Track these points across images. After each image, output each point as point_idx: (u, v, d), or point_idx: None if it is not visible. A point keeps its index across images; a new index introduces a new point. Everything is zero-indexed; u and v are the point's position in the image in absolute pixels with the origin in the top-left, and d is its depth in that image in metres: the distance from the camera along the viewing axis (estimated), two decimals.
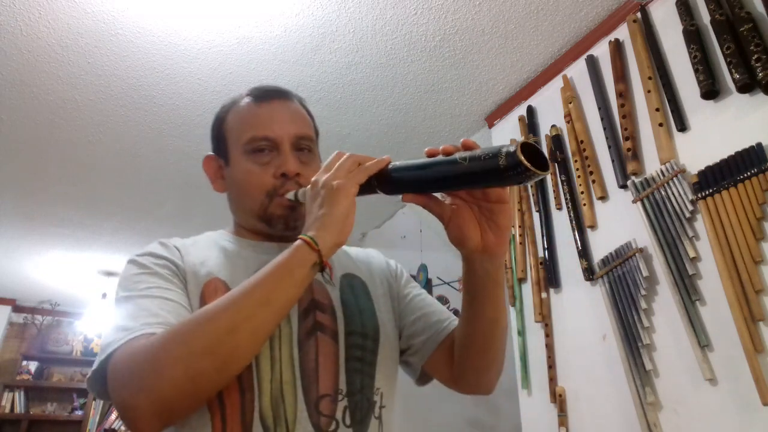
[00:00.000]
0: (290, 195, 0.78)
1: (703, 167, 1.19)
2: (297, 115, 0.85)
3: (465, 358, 0.78)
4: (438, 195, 0.67)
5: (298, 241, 0.64)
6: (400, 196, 0.66)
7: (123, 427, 4.71)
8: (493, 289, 0.70)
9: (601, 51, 1.57)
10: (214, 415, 0.66)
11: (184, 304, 0.70)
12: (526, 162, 0.49)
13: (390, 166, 0.66)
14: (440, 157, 0.60)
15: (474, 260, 0.68)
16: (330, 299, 0.79)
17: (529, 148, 0.51)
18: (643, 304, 1.26)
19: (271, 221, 0.80)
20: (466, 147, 0.58)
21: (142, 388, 0.57)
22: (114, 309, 0.69)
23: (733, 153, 1.14)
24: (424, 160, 0.62)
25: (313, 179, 0.69)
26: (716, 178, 1.16)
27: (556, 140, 1.64)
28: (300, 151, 0.82)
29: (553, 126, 1.67)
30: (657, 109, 1.34)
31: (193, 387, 0.58)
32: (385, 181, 0.66)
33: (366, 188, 0.67)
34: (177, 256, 0.77)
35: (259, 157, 0.80)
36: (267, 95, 0.84)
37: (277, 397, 0.68)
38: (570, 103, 1.61)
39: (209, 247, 0.82)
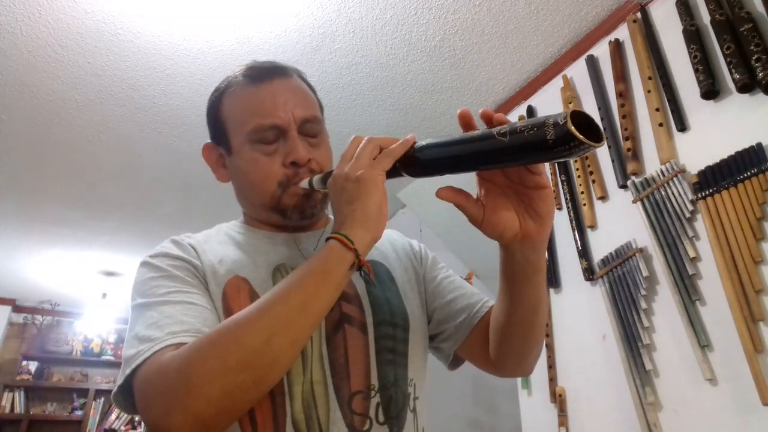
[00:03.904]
0: (304, 183, 0.73)
1: (703, 167, 1.19)
2: (300, 94, 0.78)
3: (505, 344, 0.73)
4: (463, 183, 0.61)
5: (331, 241, 0.59)
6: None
7: (123, 428, 4.71)
8: (534, 276, 0.65)
9: (601, 51, 1.57)
10: (245, 426, 0.63)
11: (208, 308, 0.66)
12: (578, 134, 0.43)
13: (415, 146, 0.59)
14: (473, 133, 0.53)
15: (514, 249, 0.62)
16: (355, 288, 0.74)
17: (578, 117, 0.44)
18: (643, 304, 1.26)
19: (285, 212, 0.75)
20: (501, 122, 0.52)
21: (176, 407, 0.52)
22: (132, 316, 0.65)
23: (733, 153, 1.14)
24: (455, 136, 0.55)
25: (335, 172, 0.63)
26: (716, 178, 1.16)
27: None
28: (308, 134, 0.76)
29: None
30: (657, 109, 1.34)
31: (231, 403, 0.54)
32: (411, 163, 0.59)
33: (390, 172, 0.61)
34: (193, 255, 0.72)
35: (266, 145, 0.74)
36: (265, 74, 0.77)
37: (309, 399, 0.65)
38: (570, 103, 1.60)
39: (224, 242, 0.78)
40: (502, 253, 0.64)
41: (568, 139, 0.43)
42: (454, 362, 0.85)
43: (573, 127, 0.43)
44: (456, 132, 0.58)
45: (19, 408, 4.46)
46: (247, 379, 0.54)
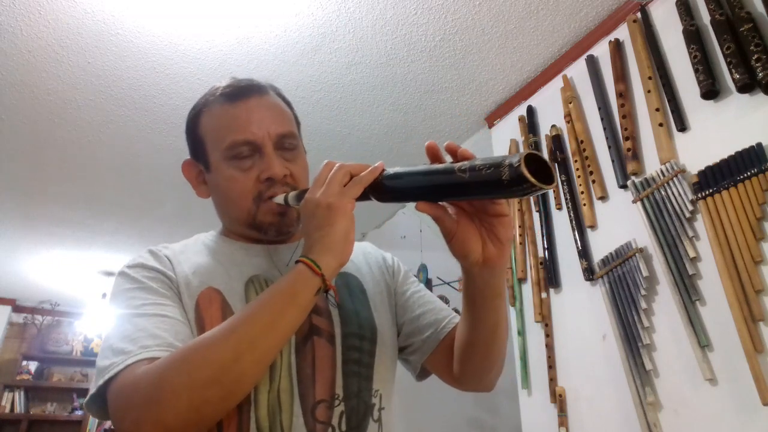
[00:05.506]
0: (279, 199, 0.75)
1: (703, 167, 1.19)
2: (276, 111, 0.80)
3: (466, 360, 0.77)
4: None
5: (299, 265, 0.62)
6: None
7: None
8: (493, 299, 0.68)
9: (601, 51, 1.57)
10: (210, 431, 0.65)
11: (181, 320, 0.69)
12: (531, 177, 0.46)
13: (384, 173, 0.63)
14: (437, 166, 0.58)
15: (474, 273, 0.65)
16: (326, 301, 0.77)
17: (533, 159, 0.48)
18: (643, 304, 1.26)
19: (261, 228, 0.78)
20: (464, 157, 0.56)
21: (147, 419, 0.56)
22: (109, 325, 0.68)
23: (733, 153, 1.14)
24: (421, 167, 0.59)
25: (307, 197, 0.66)
26: (716, 178, 1.16)
27: (556, 140, 1.64)
28: (284, 149, 0.78)
29: (553, 126, 1.67)
30: (657, 109, 1.34)
31: (198, 416, 0.57)
32: (380, 189, 0.63)
33: (359, 197, 0.65)
34: (168, 267, 0.75)
35: (242, 161, 0.76)
36: (242, 93, 0.79)
37: (274, 406, 0.67)
38: (570, 103, 1.60)
39: (200, 252, 0.80)
40: (464, 277, 0.68)
41: (521, 180, 0.47)
42: (422, 374, 0.87)
43: (526, 170, 0.46)
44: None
45: (19, 408, 4.45)
46: (215, 394, 0.57)
